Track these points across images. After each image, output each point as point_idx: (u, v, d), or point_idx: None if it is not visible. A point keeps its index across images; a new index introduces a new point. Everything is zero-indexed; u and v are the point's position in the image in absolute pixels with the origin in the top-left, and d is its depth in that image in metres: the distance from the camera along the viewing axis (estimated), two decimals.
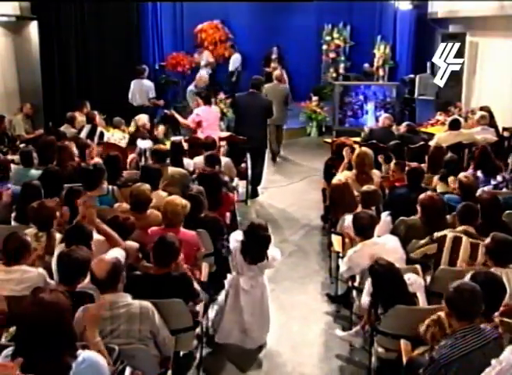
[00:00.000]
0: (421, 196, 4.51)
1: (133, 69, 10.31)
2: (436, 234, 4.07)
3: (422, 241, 4.14)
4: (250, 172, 7.80)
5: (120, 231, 4.04)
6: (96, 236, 4.01)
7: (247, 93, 7.92)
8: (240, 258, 4.24)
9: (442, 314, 3.09)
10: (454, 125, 7.16)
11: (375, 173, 5.81)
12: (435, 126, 8.87)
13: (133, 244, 4.09)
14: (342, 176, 5.60)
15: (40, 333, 2.30)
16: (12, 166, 6.01)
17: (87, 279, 3.33)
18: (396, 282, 3.62)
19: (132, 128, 8.42)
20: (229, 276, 4.56)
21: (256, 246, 4.18)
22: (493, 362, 2.66)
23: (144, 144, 7.55)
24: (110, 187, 5.22)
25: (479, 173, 5.52)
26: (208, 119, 7.88)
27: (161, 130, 8.35)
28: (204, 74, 11.07)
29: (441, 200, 4.53)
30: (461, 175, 5.11)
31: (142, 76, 9.82)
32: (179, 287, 3.64)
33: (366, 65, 12.50)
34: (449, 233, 4.02)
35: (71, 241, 3.66)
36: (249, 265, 4.22)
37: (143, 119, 8.14)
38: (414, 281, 3.76)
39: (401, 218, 4.66)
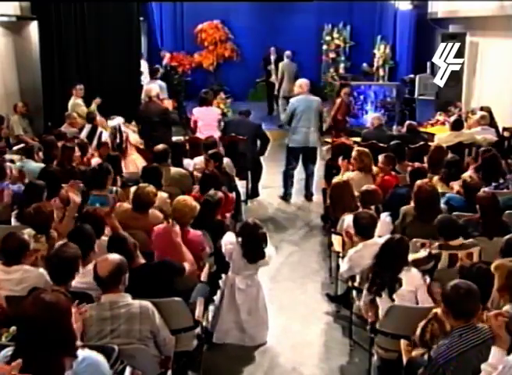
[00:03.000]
0: (415, 186, 4.60)
1: (134, 69, 10.33)
2: (432, 251, 3.98)
3: (419, 255, 4.02)
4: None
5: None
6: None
7: (238, 117, 7.94)
8: (237, 259, 4.26)
9: (438, 311, 3.09)
10: (456, 125, 7.17)
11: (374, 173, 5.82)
12: (435, 126, 8.87)
13: None
14: (344, 176, 5.63)
15: (40, 334, 2.31)
16: (12, 165, 6.01)
17: (89, 278, 3.34)
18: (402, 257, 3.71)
19: (132, 127, 8.43)
20: (223, 276, 4.57)
21: (255, 245, 4.24)
22: (483, 366, 2.66)
23: (114, 122, 7.73)
24: (114, 188, 5.23)
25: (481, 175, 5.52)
26: (204, 119, 7.83)
27: (167, 103, 8.42)
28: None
29: (431, 190, 4.56)
30: (466, 175, 5.11)
31: (155, 76, 9.84)
32: (160, 272, 3.68)
33: (364, 64, 12.50)
34: (444, 252, 3.95)
35: (73, 242, 3.66)
36: (249, 264, 4.26)
37: (155, 89, 8.17)
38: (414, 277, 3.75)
39: None
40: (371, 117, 8.03)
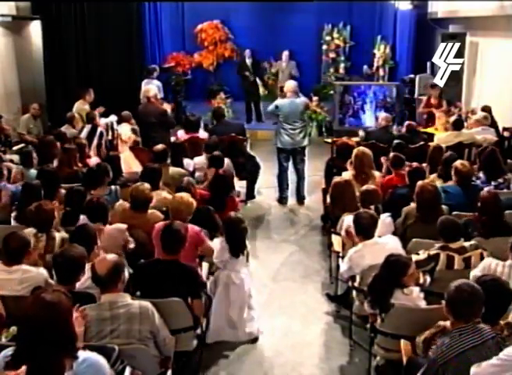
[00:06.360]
0: (417, 187, 4.62)
1: (134, 69, 10.32)
2: (430, 252, 3.98)
3: (419, 257, 3.98)
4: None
5: (97, 214, 4.25)
6: (111, 226, 4.27)
7: (218, 124, 7.89)
8: (227, 255, 4.36)
9: (447, 324, 3.04)
10: (456, 125, 7.17)
11: (375, 174, 5.81)
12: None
13: (120, 225, 4.30)
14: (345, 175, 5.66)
15: (40, 334, 2.30)
16: (13, 165, 6.02)
17: (89, 280, 3.34)
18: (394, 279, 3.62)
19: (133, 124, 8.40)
20: (210, 277, 4.58)
21: (237, 239, 4.40)
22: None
23: (108, 119, 7.92)
24: (113, 187, 5.26)
25: (481, 174, 5.53)
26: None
27: (166, 106, 8.42)
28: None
29: (433, 191, 4.58)
30: (457, 162, 5.15)
31: (151, 76, 9.83)
32: (185, 276, 3.71)
33: (365, 67, 12.47)
34: (442, 253, 3.95)
35: (76, 242, 3.67)
36: (235, 258, 4.38)
37: (153, 90, 8.13)
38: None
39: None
40: (380, 116, 8.01)
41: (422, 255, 3.97)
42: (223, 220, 4.56)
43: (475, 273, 3.61)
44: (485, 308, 2.86)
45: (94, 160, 6.49)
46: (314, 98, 11.46)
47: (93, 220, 4.23)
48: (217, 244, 4.44)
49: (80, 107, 8.56)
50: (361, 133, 8.07)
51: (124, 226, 4.35)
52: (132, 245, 4.29)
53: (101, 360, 2.56)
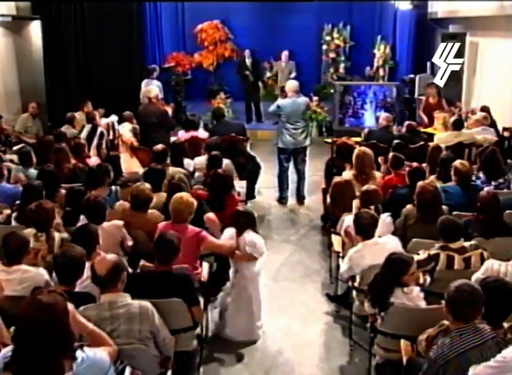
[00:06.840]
0: (417, 187, 4.62)
1: (134, 69, 10.30)
2: (430, 252, 3.97)
3: (420, 257, 3.96)
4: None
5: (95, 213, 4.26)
6: (108, 223, 4.28)
7: (217, 124, 7.92)
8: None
9: (450, 324, 3.02)
10: (456, 125, 7.17)
11: (376, 174, 5.81)
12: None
13: (117, 221, 4.34)
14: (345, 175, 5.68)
15: (37, 335, 2.30)
16: (12, 165, 6.02)
17: (89, 279, 3.34)
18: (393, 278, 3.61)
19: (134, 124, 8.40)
20: (230, 274, 4.60)
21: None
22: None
23: (109, 119, 8.00)
24: (113, 187, 5.25)
25: (481, 174, 5.53)
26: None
27: (166, 108, 8.43)
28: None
29: (434, 191, 4.58)
30: (457, 162, 5.15)
31: (151, 76, 9.83)
32: (179, 286, 3.65)
33: (367, 68, 12.47)
34: (442, 253, 3.94)
35: (78, 242, 3.67)
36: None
37: (154, 90, 8.12)
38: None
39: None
40: (381, 116, 8.01)
41: (422, 255, 3.96)
42: (237, 215, 4.55)
43: (478, 275, 3.60)
44: (489, 310, 2.85)
45: (94, 160, 6.49)
46: (315, 98, 11.45)
47: (90, 219, 4.21)
48: (256, 238, 4.46)
49: (79, 118, 8.55)
50: (365, 131, 8.07)
51: (121, 222, 4.37)
52: (130, 242, 4.31)
53: (99, 356, 2.55)
